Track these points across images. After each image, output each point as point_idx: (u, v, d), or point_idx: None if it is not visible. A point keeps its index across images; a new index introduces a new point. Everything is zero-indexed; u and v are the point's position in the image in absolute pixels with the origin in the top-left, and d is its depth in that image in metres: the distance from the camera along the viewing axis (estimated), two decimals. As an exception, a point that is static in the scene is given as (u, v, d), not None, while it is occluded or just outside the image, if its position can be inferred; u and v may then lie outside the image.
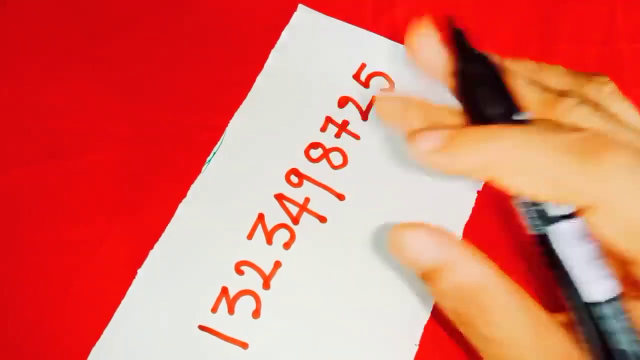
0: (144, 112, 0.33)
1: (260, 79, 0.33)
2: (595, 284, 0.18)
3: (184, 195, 0.31)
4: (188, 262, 0.30)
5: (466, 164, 0.19)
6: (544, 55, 0.34)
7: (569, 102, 0.21)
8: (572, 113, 0.20)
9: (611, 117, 0.21)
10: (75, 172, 0.32)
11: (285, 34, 0.34)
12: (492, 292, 0.19)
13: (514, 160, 0.18)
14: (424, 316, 0.29)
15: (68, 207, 0.31)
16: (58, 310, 0.29)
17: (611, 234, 0.18)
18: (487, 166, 0.18)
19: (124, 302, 0.29)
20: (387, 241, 0.20)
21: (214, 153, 0.32)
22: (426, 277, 0.20)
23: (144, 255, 0.30)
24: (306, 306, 0.29)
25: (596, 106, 0.21)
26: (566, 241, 0.18)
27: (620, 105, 0.22)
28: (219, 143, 0.32)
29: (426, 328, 0.29)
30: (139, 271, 0.29)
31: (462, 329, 0.20)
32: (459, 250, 0.19)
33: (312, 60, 0.34)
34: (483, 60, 0.22)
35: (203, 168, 0.31)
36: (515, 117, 0.20)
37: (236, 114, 0.33)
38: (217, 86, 0.33)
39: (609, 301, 0.18)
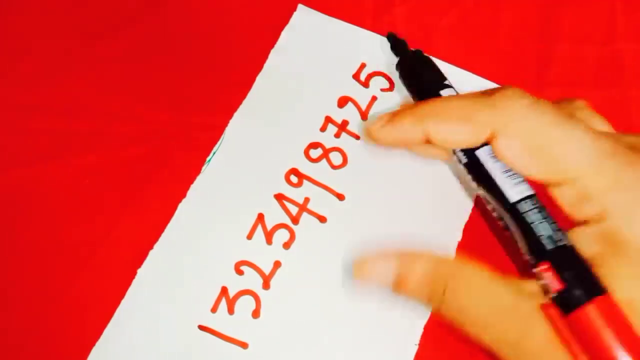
0: (144, 112, 0.33)
1: (260, 79, 0.33)
2: (510, 188, 0.23)
3: (184, 195, 0.31)
4: (188, 262, 0.30)
5: (404, 129, 0.24)
6: (544, 55, 0.34)
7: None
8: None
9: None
10: (75, 172, 0.32)
11: (284, 34, 0.34)
12: (444, 273, 0.23)
13: (437, 111, 0.24)
14: (424, 316, 0.29)
15: (68, 207, 0.31)
16: (58, 310, 0.29)
17: (512, 157, 0.22)
18: (419, 124, 0.24)
19: (123, 302, 0.29)
20: (354, 274, 0.24)
21: (214, 153, 0.32)
22: (396, 288, 0.24)
23: (144, 255, 0.30)
24: (306, 306, 0.29)
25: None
26: (487, 159, 0.23)
27: (591, 117, 0.25)
28: (218, 143, 0.32)
29: (426, 328, 0.29)
30: (139, 271, 0.29)
31: (448, 318, 0.23)
32: (405, 259, 0.23)
33: (312, 60, 0.34)
34: (415, 53, 0.29)
35: (203, 168, 0.31)
36: (446, 82, 0.27)
37: (236, 114, 0.33)
38: (217, 86, 0.33)
39: (523, 199, 0.22)
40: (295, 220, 0.31)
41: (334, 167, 0.32)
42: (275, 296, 0.29)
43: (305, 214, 0.31)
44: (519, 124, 0.22)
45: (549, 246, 0.22)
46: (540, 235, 0.22)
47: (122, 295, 0.29)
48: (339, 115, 0.33)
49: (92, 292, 0.29)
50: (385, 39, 0.33)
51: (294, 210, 0.31)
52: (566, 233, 0.22)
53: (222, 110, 0.33)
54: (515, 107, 0.22)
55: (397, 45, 0.30)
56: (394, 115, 0.25)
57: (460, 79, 0.33)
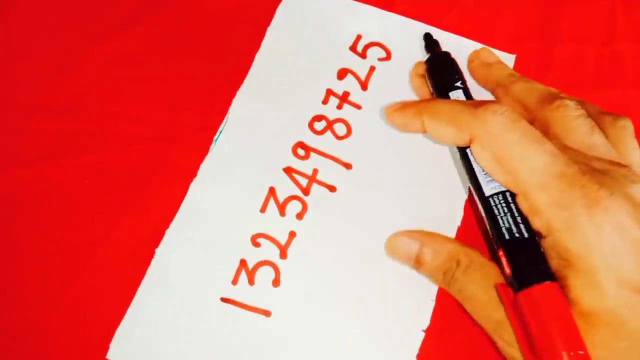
0: (144, 112, 0.33)
1: (258, 57, 0.34)
2: (486, 184, 0.27)
3: (184, 195, 0.31)
4: (204, 239, 0.30)
5: (408, 118, 0.28)
6: (544, 55, 0.34)
7: (562, 100, 0.28)
8: (560, 108, 0.27)
9: (594, 127, 0.27)
10: (75, 172, 0.32)
11: (279, 10, 0.35)
12: (454, 260, 0.27)
13: (433, 110, 0.27)
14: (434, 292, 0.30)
15: (68, 207, 0.31)
16: (58, 310, 0.29)
17: (482, 162, 0.26)
18: (419, 117, 0.28)
19: (144, 281, 0.29)
20: (385, 248, 0.29)
21: (220, 132, 0.32)
22: (416, 265, 0.28)
23: (144, 255, 0.30)
24: (323, 271, 0.30)
25: (583, 107, 0.27)
26: (472, 157, 0.27)
27: (628, 139, 0.27)
28: (224, 122, 0.32)
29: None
30: (157, 250, 0.30)
31: (452, 294, 0.27)
32: (429, 240, 0.28)
33: (308, 35, 0.34)
34: (444, 55, 0.32)
35: (210, 147, 0.32)
36: (457, 84, 0.30)
37: (238, 93, 0.33)
38: (216, 79, 0.33)
39: (495, 194, 0.26)
40: (305, 191, 0.31)
41: (338, 137, 0.32)
42: (293, 264, 0.30)
43: (315, 185, 0.31)
44: (490, 136, 0.25)
45: (506, 236, 0.25)
46: (502, 226, 0.25)
47: (122, 294, 0.29)
48: (339, 87, 0.33)
49: (92, 292, 0.29)
50: (378, 10, 0.34)
51: (303, 182, 0.31)
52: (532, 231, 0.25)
53: (222, 110, 0.33)
54: (492, 121, 0.25)
55: (430, 44, 0.33)
56: (404, 105, 0.28)
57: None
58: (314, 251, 0.30)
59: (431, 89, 0.31)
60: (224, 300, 0.29)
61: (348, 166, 0.32)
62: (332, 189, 0.31)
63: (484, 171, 0.27)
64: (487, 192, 0.26)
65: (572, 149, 0.26)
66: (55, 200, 0.31)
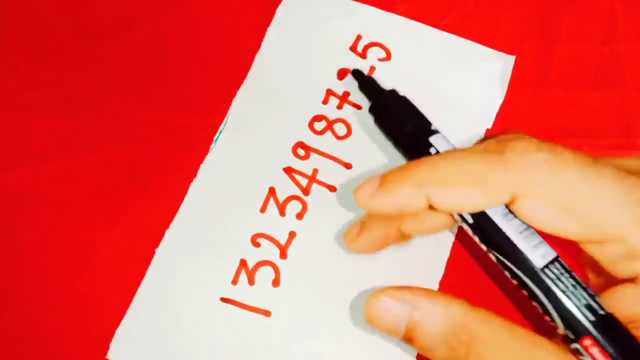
0: (144, 112, 0.33)
1: (259, 57, 0.34)
2: (532, 251, 0.20)
3: (184, 195, 0.31)
4: (204, 239, 0.30)
5: (402, 194, 0.20)
6: (544, 55, 0.34)
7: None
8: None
9: None
10: (75, 172, 0.32)
11: (280, 10, 0.35)
12: (467, 330, 0.19)
13: (441, 175, 0.20)
14: (438, 275, 0.30)
15: (68, 207, 0.31)
16: (58, 310, 0.29)
17: (539, 220, 0.19)
18: (419, 189, 0.20)
19: (144, 281, 0.29)
20: (364, 315, 0.21)
21: (220, 132, 0.32)
22: (407, 340, 0.20)
23: (144, 255, 0.30)
24: (323, 271, 0.30)
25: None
26: (500, 219, 0.20)
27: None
28: (223, 122, 0.32)
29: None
30: (157, 251, 0.30)
31: None
32: (422, 303, 0.20)
33: (308, 34, 0.34)
34: (392, 94, 0.25)
35: (210, 147, 0.32)
36: (433, 128, 0.23)
37: (239, 93, 0.33)
38: (216, 80, 0.33)
39: (550, 263, 0.20)
40: (305, 191, 0.31)
41: (338, 137, 0.32)
42: (293, 264, 0.30)
43: (315, 185, 0.31)
44: (543, 183, 0.19)
45: (591, 318, 0.19)
46: (579, 306, 0.19)
47: (122, 294, 0.29)
48: (339, 87, 0.33)
49: (92, 292, 0.29)
50: (379, 10, 0.33)
51: (303, 182, 0.31)
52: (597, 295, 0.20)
53: (222, 110, 0.33)
54: (534, 164, 0.19)
55: (366, 85, 0.26)
56: (385, 180, 0.21)
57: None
58: (314, 251, 0.30)
59: (397, 144, 0.25)
60: (223, 300, 0.29)
61: (348, 166, 0.32)
62: (332, 189, 0.31)
63: (523, 232, 0.20)
64: (539, 261, 0.20)
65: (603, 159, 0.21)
66: (55, 200, 0.31)
